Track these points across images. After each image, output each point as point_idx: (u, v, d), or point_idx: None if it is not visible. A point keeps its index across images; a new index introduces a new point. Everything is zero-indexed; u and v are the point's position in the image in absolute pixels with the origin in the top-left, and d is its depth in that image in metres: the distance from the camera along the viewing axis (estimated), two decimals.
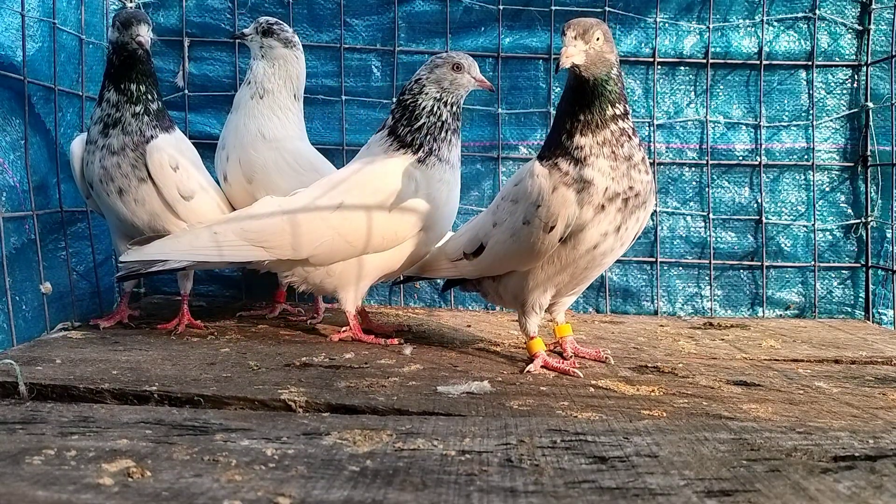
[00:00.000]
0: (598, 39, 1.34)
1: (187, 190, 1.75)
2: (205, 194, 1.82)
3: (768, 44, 2.23)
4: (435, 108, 1.66)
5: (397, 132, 1.68)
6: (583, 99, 1.37)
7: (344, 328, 1.75)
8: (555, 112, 1.47)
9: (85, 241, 1.97)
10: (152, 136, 1.73)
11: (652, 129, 2.25)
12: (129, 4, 2.20)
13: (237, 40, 1.86)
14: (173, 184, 1.73)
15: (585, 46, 1.33)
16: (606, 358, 1.57)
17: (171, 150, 1.74)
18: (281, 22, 1.89)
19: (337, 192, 1.65)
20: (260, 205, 1.70)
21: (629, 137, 1.39)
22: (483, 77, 1.70)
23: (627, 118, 1.40)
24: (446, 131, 1.67)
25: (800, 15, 2.22)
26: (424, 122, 1.66)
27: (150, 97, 1.74)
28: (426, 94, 1.66)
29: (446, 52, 1.69)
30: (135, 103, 1.72)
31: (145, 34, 1.69)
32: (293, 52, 1.89)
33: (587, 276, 1.51)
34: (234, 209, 1.93)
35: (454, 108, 1.68)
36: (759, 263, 2.25)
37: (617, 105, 1.38)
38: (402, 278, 1.92)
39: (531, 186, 1.41)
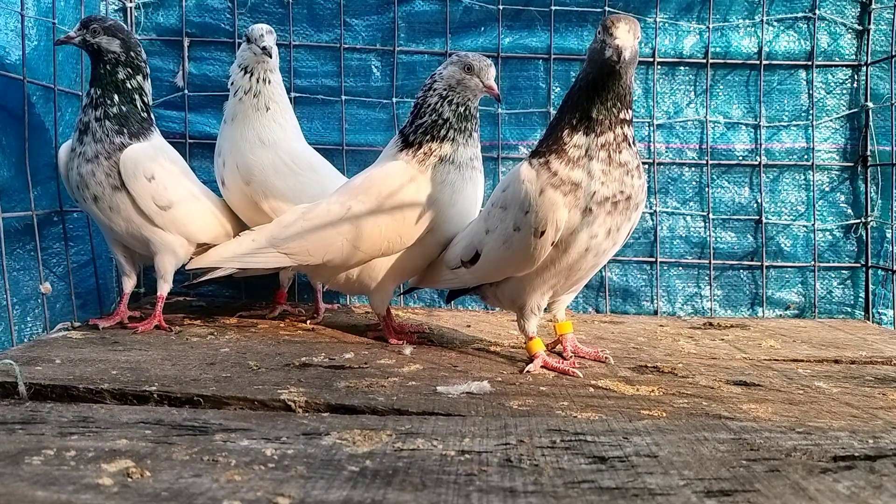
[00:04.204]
0: (637, 38, 1.33)
1: (164, 200, 1.75)
2: (190, 201, 1.81)
3: (768, 44, 2.23)
4: (437, 106, 1.61)
5: (404, 131, 1.67)
6: (603, 96, 1.35)
7: (380, 328, 1.80)
8: (560, 105, 1.43)
9: (85, 240, 1.97)
10: (123, 144, 1.71)
11: (652, 129, 2.25)
12: (129, 4, 2.20)
13: (265, 55, 1.79)
14: (148, 194, 1.73)
15: (633, 42, 1.32)
16: (606, 358, 1.57)
17: (146, 159, 1.73)
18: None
19: (346, 197, 1.66)
20: (289, 212, 1.73)
21: (629, 145, 1.38)
22: (493, 84, 1.61)
23: (631, 125, 1.39)
24: (448, 129, 1.61)
25: (800, 15, 2.22)
26: (426, 120, 1.62)
27: (108, 101, 1.71)
28: (434, 90, 1.62)
29: (467, 52, 1.65)
30: (94, 108, 1.71)
31: (73, 31, 1.70)
32: None
33: (583, 277, 1.51)
34: (233, 216, 1.94)
35: (459, 108, 1.61)
36: (759, 263, 2.25)
37: (630, 109, 1.38)
38: (401, 288, 1.92)
39: (518, 192, 1.39)
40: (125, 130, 1.72)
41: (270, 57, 1.82)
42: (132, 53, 1.74)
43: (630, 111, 1.38)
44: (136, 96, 1.75)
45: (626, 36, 1.30)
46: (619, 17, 1.33)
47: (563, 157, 1.36)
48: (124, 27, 1.77)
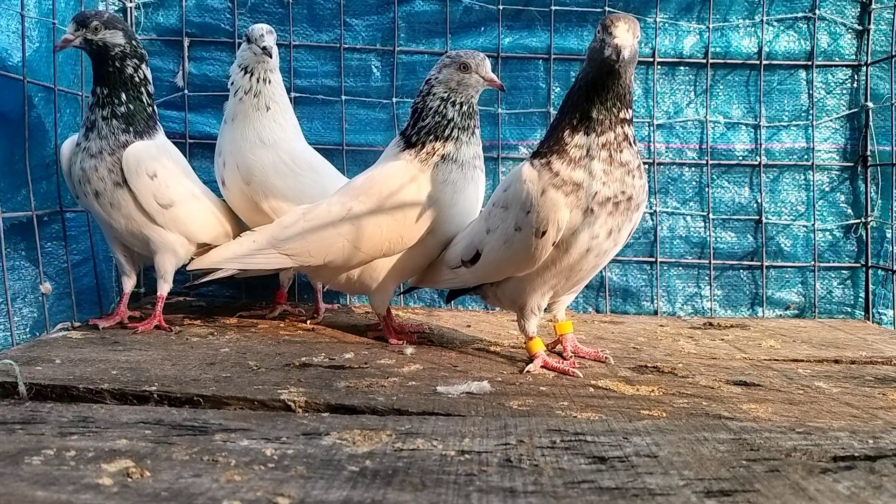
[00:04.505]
0: (636, 38, 1.33)
1: (165, 198, 1.75)
2: (190, 200, 1.82)
3: (768, 44, 2.23)
4: (440, 108, 1.62)
5: (406, 133, 1.67)
6: (603, 95, 1.35)
7: (380, 328, 1.80)
8: (560, 105, 1.44)
9: (85, 240, 1.97)
10: (127, 142, 1.72)
11: (652, 129, 2.25)
12: (129, 4, 2.20)
13: (265, 55, 1.79)
14: (149, 191, 1.73)
15: (632, 41, 1.31)
16: (606, 358, 1.57)
17: (148, 157, 1.73)
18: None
19: (347, 198, 1.66)
20: (290, 213, 1.73)
21: (630, 144, 1.38)
22: (493, 75, 1.63)
23: (632, 125, 1.39)
24: (453, 129, 1.62)
25: (800, 15, 2.22)
26: (429, 122, 1.62)
27: (116, 100, 1.71)
28: (434, 94, 1.62)
29: (456, 51, 1.66)
30: (102, 107, 1.71)
31: (68, 33, 1.67)
32: None
33: (584, 277, 1.51)
34: (233, 216, 1.94)
35: (463, 108, 1.63)
36: (759, 263, 2.25)
37: (629, 108, 1.38)
38: (401, 288, 1.92)
39: (520, 191, 1.39)
40: (131, 129, 1.73)
41: (271, 57, 1.82)
42: (134, 42, 1.74)
43: (630, 110, 1.38)
44: (143, 89, 1.75)
45: (626, 35, 1.30)
46: (619, 16, 1.33)
47: (565, 157, 1.36)
48: (119, 16, 1.76)
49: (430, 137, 1.62)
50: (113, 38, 1.69)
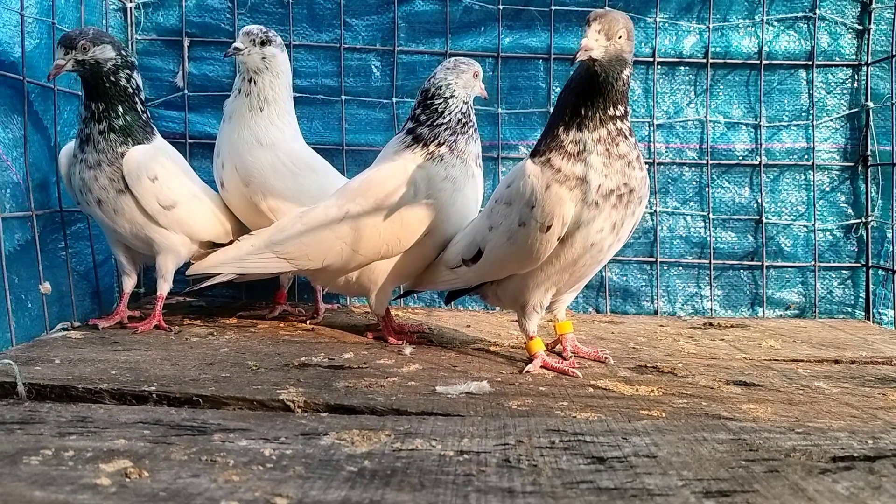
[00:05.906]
0: (620, 37, 1.31)
1: (167, 200, 1.76)
2: (191, 200, 1.82)
3: (768, 44, 2.23)
4: (464, 109, 1.69)
5: (415, 130, 1.68)
6: (588, 93, 1.35)
7: (379, 328, 1.80)
8: (555, 106, 1.45)
9: (84, 241, 1.97)
10: (124, 152, 1.71)
11: (652, 129, 2.25)
12: (129, 4, 2.20)
13: (231, 56, 1.81)
14: (152, 194, 1.73)
15: (607, 42, 1.30)
16: (606, 358, 1.57)
17: (148, 161, 1.73)
18: (266, 27, 1.87)
19: (344, 200, 1.66)
20: (288, 216, 1.74)
21: (625, 137, 1.38)
22: (482, 85, 1.78)
23: (626, 120, 1.39)
24: (468, 127, 1.69)
25: (800, 15, 2.22)
26: (450, 120, 1.66)
27: (112, 114, 1.70)
28: (456, 97, 1.67)
29: (464, 59, 1.72)
30: (98, 121, 1.70)
31: (59, 59, 1.63)
32: (286, 54, 1.90)
33: (587, 274, 1.50)
34: (232, 214, 1.94)
35: (473, 110, 1.73)
36: (759, 263, 2.25)
37: (619, 106, 1.37)
38: (400, 290, 1.92)
39: (524, 187, 1.40)
40: (130, 140, 1.73)
41: (237, 53, 1.81)
42: (124, 52, 1.72)
43: (622, 107, 1.37)
44: (136, 98, 1.75)
45: (593, 36, 1.30)
46: (596, 14, 1.32)
47: (563, 153, 1.37)
48: (102, 29, 1.75)
49: (447, 132, 1.66)
50: (103, 54, 1.67)
